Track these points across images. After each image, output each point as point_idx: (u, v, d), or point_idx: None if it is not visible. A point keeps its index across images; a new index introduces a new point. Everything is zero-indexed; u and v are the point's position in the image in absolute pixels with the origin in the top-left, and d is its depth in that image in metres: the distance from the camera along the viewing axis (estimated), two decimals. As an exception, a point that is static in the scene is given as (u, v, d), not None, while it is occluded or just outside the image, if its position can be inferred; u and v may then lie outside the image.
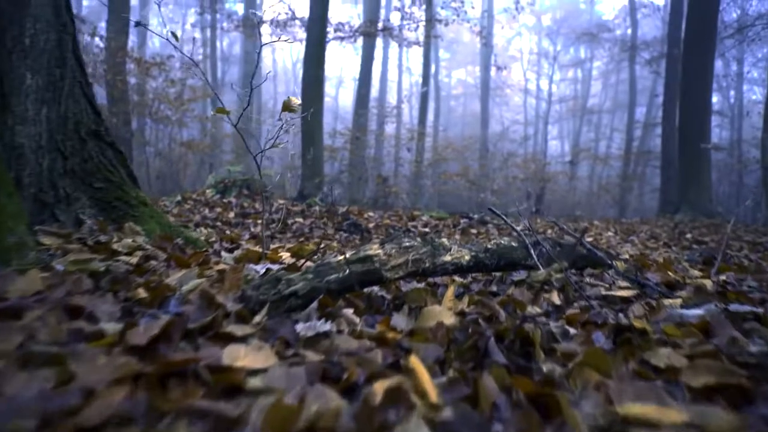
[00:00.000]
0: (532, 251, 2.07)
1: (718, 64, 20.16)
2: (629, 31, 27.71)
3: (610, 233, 7.03)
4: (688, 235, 7.62)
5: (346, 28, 13.63)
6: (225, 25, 17.31)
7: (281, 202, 6.89)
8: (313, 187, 11.89)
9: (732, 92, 31.72)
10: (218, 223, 5.69)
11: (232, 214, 6.01)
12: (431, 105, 32.17)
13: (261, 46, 2.47)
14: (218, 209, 6.37)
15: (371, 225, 6.16)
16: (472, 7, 14.77)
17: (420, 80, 22.56)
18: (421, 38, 15.74)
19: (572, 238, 3.10)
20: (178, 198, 6.89)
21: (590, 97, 33.91)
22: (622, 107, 30.94)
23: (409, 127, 21.45)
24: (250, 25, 16.81)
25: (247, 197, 6.92)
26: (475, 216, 7.09)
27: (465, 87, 40.27)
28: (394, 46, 35.87)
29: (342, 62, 36.72)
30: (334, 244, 5.24)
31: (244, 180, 7.24)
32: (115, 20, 13.53)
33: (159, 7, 2.67)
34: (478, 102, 30.23)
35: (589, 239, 6.38)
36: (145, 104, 15.11)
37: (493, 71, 21.95)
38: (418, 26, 14.59)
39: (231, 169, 7.55)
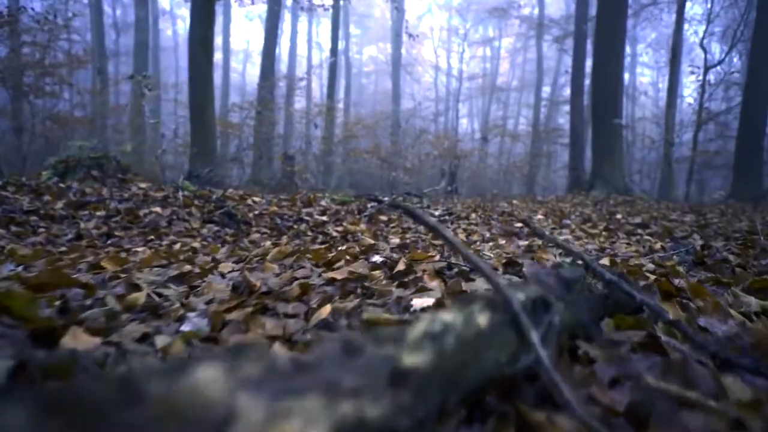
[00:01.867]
0: (531, 334, 0.68)
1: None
2: (536, 11, 27.28)
3: (540, 216, 5.91)
4: (619, 216, 6.69)
5: (242, -13, 11.76)
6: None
7: (141, 185, 5.25)
8: (204, 167, 10.16)
9: (626, 74, 32.32)
10: (34, 218, 4.00)
11: (59, 205, 4.32)
12: (342, 82, 30.59)
13: None
14: (47, 197, 4.65)
15: (254, 213, 4.66)
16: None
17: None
18: (327, 1, 14.09)
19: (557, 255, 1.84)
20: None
21: (499, 75, 33.49)
22: (529, 86, 30.73)
23: (319, 102, 19.83)
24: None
25: (96, 180, 5.22)
26: (386, 199, 5.75)
27: (376, 64, 38.79)
28: (303, 20, 33.83)
29: (249, 36, 34.24)
30: (196, 243, 3.74)
31: (95, 159, 5.50)
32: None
33: None
34: (390, 79, 28.95)
35: (519, 225, 5.22)
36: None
37: (405, 40, 20.65)
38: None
39: (81, 145, 5.76)
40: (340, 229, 4.33)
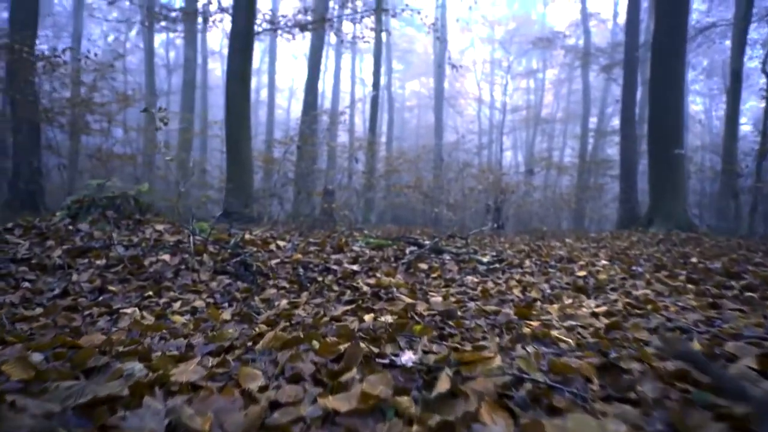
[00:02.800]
0: None
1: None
2: (581, 42, 26.41)
3: (604, 261, 5.06)
4: (694, 259, 5.75)
5: (282, 22, 11.44)
6: (160, 22, 14.71)
7: (158, 228, 4.70)
8: (239, 202, 9.70)
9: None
10: (23, 268, 3.46)
11: (58, 252, 3.78)
12: (384, 117, 30.29)
13: None
14: (51, 242, 4.13)
15: (274, 262, 4.01)
16: (423, -4, 12.82)
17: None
18: (368, 34, 13.65)
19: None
20: (8, 225, 4.61)
21: (543, 107, 32.58)
22: (575, 117, 29.72)
23: (360, 137, 19.39)
24: (186, 20, 14.45)
25: (109, 222, 4.70)
26: (426, 242, 5.02)
27: (419, 98, 38.47)
28: (347, 56, 33.93)
29: (294, 73, 34.53)
30: (199, 301, 3.12)
31: (112, 198, 5.00)
32: (18, 11, 11.16)
33: None
34: (432, 113, 28.45)
35: (582, 273, 4.41)
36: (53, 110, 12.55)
37: (447, 73, 20.14)
38: (362, 17, 12.51)
39: (99, 183, 5.29)
40: (372, 281, 3.63)
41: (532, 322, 2.37)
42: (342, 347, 1.59)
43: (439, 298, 3.18)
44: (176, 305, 3.00)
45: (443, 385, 1.22)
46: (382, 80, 25.38)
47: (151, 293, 3.20)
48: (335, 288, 3.47)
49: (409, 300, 3.06)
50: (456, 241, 5.78)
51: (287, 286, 3.50)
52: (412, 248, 4.86)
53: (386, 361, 1.46)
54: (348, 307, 2.85)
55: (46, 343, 1.78)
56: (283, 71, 34.66)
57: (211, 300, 3.17)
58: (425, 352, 1.57)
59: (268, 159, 13.84)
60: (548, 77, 33.51)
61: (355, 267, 4.00)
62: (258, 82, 34.92)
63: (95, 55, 12.32)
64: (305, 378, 1.36)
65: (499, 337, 1.97)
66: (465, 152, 21.56)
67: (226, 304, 3.09)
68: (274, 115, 28.75)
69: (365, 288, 3.46)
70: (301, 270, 3.81)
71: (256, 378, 1.35)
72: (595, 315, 2.63)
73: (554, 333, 2.05)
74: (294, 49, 32.05)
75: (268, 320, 2.57)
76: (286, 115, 33.95)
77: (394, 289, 3.42)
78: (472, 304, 3.06)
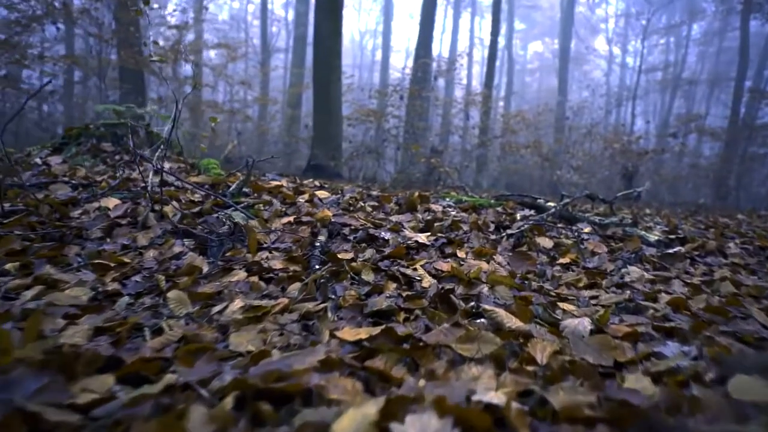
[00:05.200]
0: None
1: None
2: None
3: None
4: None
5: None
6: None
7: (167, 166, 3.18)
8: (326, 156, 8.13)
9: None
10: None
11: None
12: (504, 79, 27.43)
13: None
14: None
15: (284, 221, 2.28)
16: None
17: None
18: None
19: None
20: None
21: (685, 67, 27.81)
22: (722, 80, 24.96)
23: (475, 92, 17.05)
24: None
25: (97, 156, 3.25)
26: (551, 204, 3.04)
27: (542, 61, 34.78)
28: (466, 17, 31.25)
29: (410, 34, 32.56)
30: (80, 290, 1.46)
31: (112, 126, 3.56)
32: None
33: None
34: (555, 77, 25.16)
35: None
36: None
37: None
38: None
39: (116, 109, 3.88)
40: (444, 266, 1.79)
41: None
42: None
43: (586, 322, 1.27)
44: (29, 294, 1.39)
45: None
46: (501, 41, 22.64)
47: (9, 267, 1.61)
48: (367, 277, 1.67)
49: (514, 321, 1.21)
50: (595, 206, 3.72)
51: (278, 266, 1.75)
52: (527, 212, 2.91)
53: None
54: (361, 334, 1.08)
55: None
56: (398, 32, 32.83)
57: (114, 286, 1.51)
58: None
59: (369, 112, 12.12)
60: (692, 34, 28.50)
61: (421, 237, 2.16)
62: (373, 44, 33.33)
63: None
64: None
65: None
66: (590, 116, 18.47)
67: (127, 297, 1.43)
68: (388, 75, 27.14)
69: (427, 280, 1.63)
70: (322, 236, 2.05)
71: None
72: None
73: None
74: (410, 8, 30.07)
75: (149, 356, 0.88)
76: (402, 76, 32.21)
77: (485, 288, 1.56)
78: (674, 347, 1.16)
